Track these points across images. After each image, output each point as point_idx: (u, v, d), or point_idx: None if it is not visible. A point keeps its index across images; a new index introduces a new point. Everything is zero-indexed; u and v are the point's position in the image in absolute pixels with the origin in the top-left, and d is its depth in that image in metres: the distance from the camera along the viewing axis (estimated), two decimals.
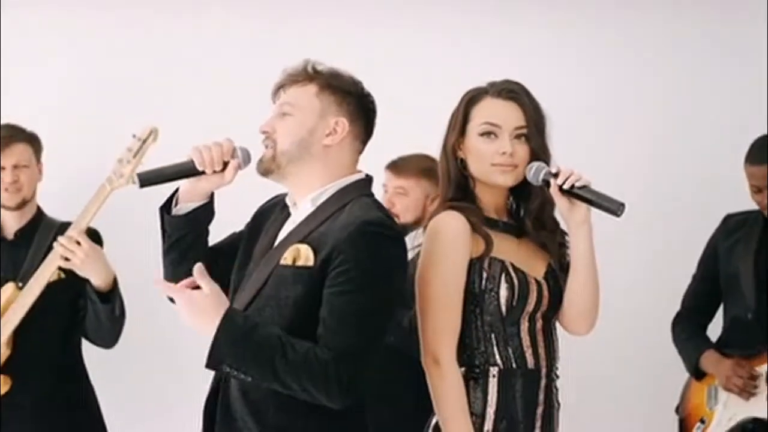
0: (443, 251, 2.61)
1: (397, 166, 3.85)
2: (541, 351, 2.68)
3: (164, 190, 2.69)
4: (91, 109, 4.35)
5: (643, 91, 4.42)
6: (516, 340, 2.65)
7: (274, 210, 2.68)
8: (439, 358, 2.60)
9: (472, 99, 2.72)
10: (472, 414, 2.61)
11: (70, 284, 3.57)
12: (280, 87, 2.62)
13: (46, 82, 4.35)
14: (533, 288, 2.66)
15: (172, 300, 2.48)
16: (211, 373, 2.54)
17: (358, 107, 2.59)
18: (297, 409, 2.44)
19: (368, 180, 2.62)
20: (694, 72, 4.40)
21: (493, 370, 2.63)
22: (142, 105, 4.27)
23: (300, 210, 2.59)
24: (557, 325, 2.76)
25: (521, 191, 2.74)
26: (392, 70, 4.23)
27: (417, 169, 3.78)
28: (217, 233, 2.75)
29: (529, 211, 2.72)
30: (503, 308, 2.63)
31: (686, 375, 3.93)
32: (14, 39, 4.32)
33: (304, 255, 2.47)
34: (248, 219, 2.76)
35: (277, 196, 2.71)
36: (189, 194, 2.65)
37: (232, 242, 2.72)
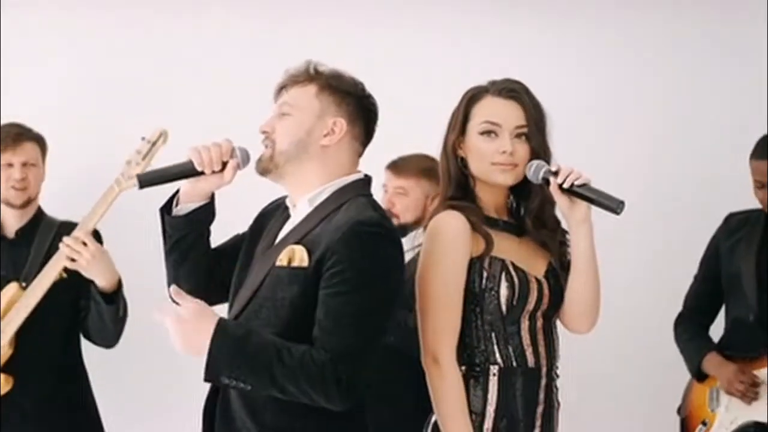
0: (443, 251, 2.61)
1: (397, 166, 3.84)
2: (542, 350, 2.68)
3: (166, 190, 2.69)
4: (90, 109, 4.35)
5: (643, 91, 4.42)
6: (516, 338, 2.65)
7: (276, 212, 2.69)
8: (439, 358, 2.60)
9: (472, 98, 2.72)
10: (472, 412, 2.61)
11: (71, 284, 3.57)
12: (282, 87, 2.63)
13: (46, 82, 4.35)
14: (533, 287, 2.66)
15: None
16: None
17: (358, 108, 2.60)
18: (295, 409, 2.44)
19: (366, 180, 2.62)
20: (694, 72, 4.40)
21: (494, 369, 2.63)
22: (142, 105, 4.28)
23: (298, 211, 2.60)
24: (557, 323, 2.76)
25: (521, 190, 2.74)
26: (392, 70, 4.23)
27: (417, 169, 3.78)
28: (218, 233, 2.75)
29: (530, 210, 2.73)
30: (503, 307, 2.63)
31: (687, 375, 3.93)
32: (14, 39, 4.31)
33: (299, 256, 2.47)
34: (248, 219, 2.76)
35: (279, 199, 2.71)
36: (189, 195, 2.66)
37: (235, 244, 2.73)
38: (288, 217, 2.63)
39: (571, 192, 2.62)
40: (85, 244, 3.45)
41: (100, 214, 3.50)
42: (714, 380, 3.83)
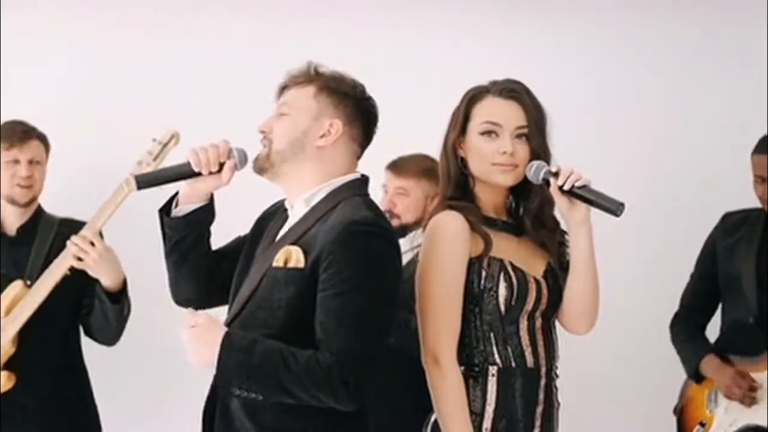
0: (442, 251, 2.61)
1: (397, 167, 3.84)
2: (541, 350, 2.68)
3: (168, 190, 2.70)
4: (90, 108, 4.35)
5: (643, 91, 4.41)
6: (515, 339, 2.65)
7: (276, 214, 2.69)
8: (439, 358, 2.60)
9: (473, 98, 2.72)
10: (471, 413, 2.61)
11: (74, 282, 3.57)
12: (283, 87, 2.65)
13: (46, 82, 4.35)
14: (532, 287, 2.66)
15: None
16: (209, 374, 2.54)
17: (356, 110, 2.60)
18: (294, 410, 2.45)
19: (363, 180, 2.63)
20: (694, 72, 4.40)
21: (493, 369, 2.63)
22: (142, 105, 4.28)
23: (295, 211, 2.61)
24: (557, 324, 2.76)
25: (521, 190, 2.74)
26: (392, 70, 4.23)
27: (417, 170, 3.78)
28: (217, 234, 2.75)
29: (529, 210, 2.72)
30: (502, 307, 2.63)
31: (685, 375, 3.93)
32: (14, 39, 4.31)
33: (295, 257, 2.48)
34: (247, 220, 2.77)
35: (279, 201, 2.72)
36: (188, 196, 2.67)
37: (236, 246, 2.73)
38: (287, 218, 2.64)
39: (571, 193, 2.62)
40: (92, 243, 3.45)
41: (108, 213, 3.51)
42: (712, 382, 3.82)
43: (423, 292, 2.63)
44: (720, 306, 3.94)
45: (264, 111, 2.68)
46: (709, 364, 3.81)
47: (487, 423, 2.61)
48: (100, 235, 3.65)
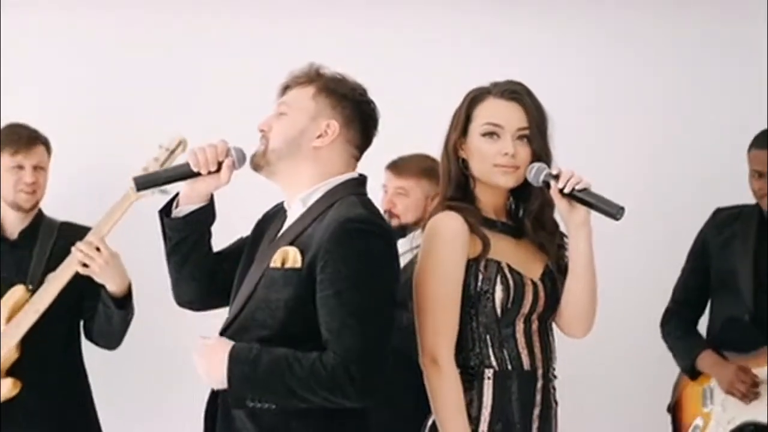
0: (441, 251, 2.61)
1: (397, 167, 3.84)
2: (537, 352, 2.67)
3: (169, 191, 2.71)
4: (90, 109, 4.34)
5: (643, 91, 4.41)
6: (511, 341, 2.65)
7: (277, 215, 2.70)
8: (437, 359, 2.60)
9: (474, 99, 2.72)
10: (467, 416, 2.61)
11: (74, 286, 3.56)
12: (285, 87, 2.66)
13: (46, 83, 4.35)
14: (529, 289, 2.66)
15: None
16: None
17: (354, 112, 2.61)
18: (293, 410, 2.46)
19: (360, 180, 2.63)
20: (694, 72, 4.40)
21: (488, 372, 2.63)
22: (142, 105, 4.28)
23: (292, 211, 2.62)
24: (554, 325, 2.76)
25: (521, 191, 2.73)
26: (392, 70, 4.22)
27: (417, 169, 3.78)
28: (217, 235, 2.75)
29: (529, 212, 2.72)
30: (498, 310, 2.63)
31: (676, 372, 3.92)
32: (14, 39, 4.31)
33: (292, 257, 2.49)
34: (247, 220, 2.77)
35: (280, 203, 2.72)
36: (188, 197, 2.68)
37: (238, 247, 2.74)
38: (286, 219, 2.65)
39: (571, 196, 2.62)
40: (98, 249, 3.45)
41: (115, 219, 3.51)
42: (707, 378, 3.81)
43: (421, 292, 2.63)
44: (710, 302, 3.94)
45: (264, 111, 2.69)
46: (707, 360, 3.80)
47: (483, 426, 2.61)
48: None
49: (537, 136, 2.68)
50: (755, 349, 3.74)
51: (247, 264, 2.65)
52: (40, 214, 3.77)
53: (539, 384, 2.67)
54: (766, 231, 3.83)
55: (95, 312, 3.62)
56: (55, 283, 3.52)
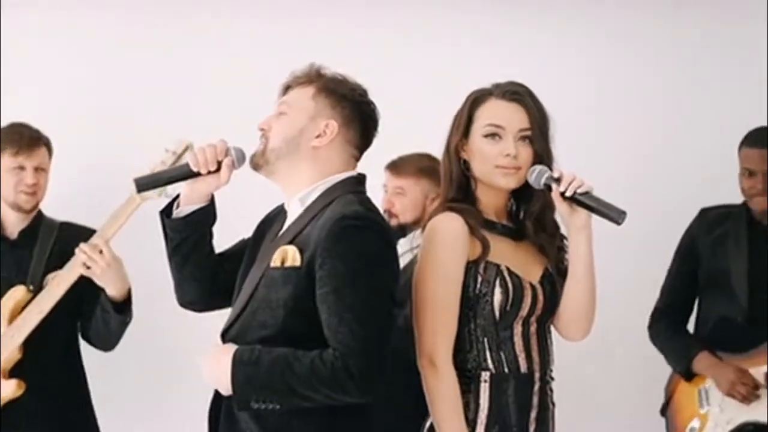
0: (441, 253, 2.61)
1: (396, 166, 3.84)
2: (535, 355, 2.67)
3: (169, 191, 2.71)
4: (90, 109, 4.34)
5: (643, 91, 4.41)
6: (509, 344, 2.65)
7: (278, 217, 2.71)
8: (435, 360, 2.60)
9: (476, 100, 2.72)
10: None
11: (74, 289, 3.56)
12: (286, 87, 2.67)
13: (47, 83, 4.35)
14: (527, 293, 2.65)
15: None
16: None
17: (354, 112, 2.62)
18: (297, 410, 2.47)
19: (358, 179, 2.64)
20: (694, 72, 4.40)
21: (485, 375, 2.63)
22: (143, 105, 4.28)
23: (291, 211, 2.63)
24: (551, 328, 2.75)
25: (522, 193, 2.73)
26: (392, 70, 4.22)
27: (415, 169, 3.78)
28: (218, 235, 2.76)
29: (530, 213, 2.72)
30: (497, 313, 2.63)
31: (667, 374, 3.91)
32: (14, 39, 4.31)
33: (291, 256, 2.51)
34: (248, 221, 2.78)
35: (281, 205, 2.73)
36: (188, 197, 2.69)
37: (240, 248, 2.75)
38: (286, 219, 2.66)
39: (572, 200, 2.62)
40: (101, 252, 3.45)
41: (120, 222, 3.51)
42: (701, 379, 3.80)
43: (420, 293, 2.63)
44: (700, 302, 3.93)
45: (264, 111, 2.70)
46: (704, 362, 3.79)
47: (480, 429, 2.61)
48: None
49: (539, 137, 2.68)
50: (748, 350, 3.73)
51: (248, 265, 2.66)
52: (39, 215, 3.77)
53: (536, 387, 2.67)
54: (756, 231, 3.83)
55: (93, 313, 3.62)
56: (61, 284, 3.52)
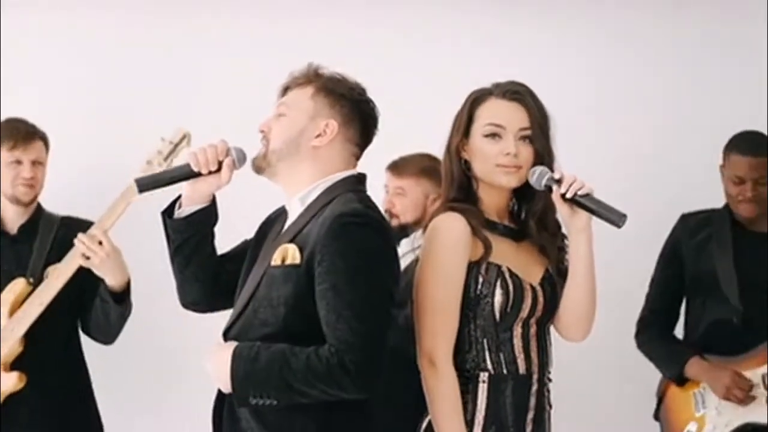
0: (443, 252, 2.61)
1: (397, 167, 3.84)
2: (534, 356, 2.67)
3: (170, 190, 2.71)
4: (91, 108, 4.35)
5: (643, 91, 4.41)
6: (508, 345, 2.64)
7: (279, 218, 2.71)
8: (435, 360, 2.60)
9: (476, 100, 2.72)
10: None
11: (74, 282, 3.57)
12: (285, 88, 2.68)
13: (47, 82, 4.35)
14: (528, 294, 2.65)
15: None
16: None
17: (353, 111, 2.63)
18: (295, 407, 2.48)
19: (358, 177, 2.65)
20: (694, 72, 4.40)
21: (483, 376, 2.63)
22: (143, 104, 4.28)
23: (292, 210, 2.64)
24: (551, 329, 2.75)
25: (524, 192, 2.73)
26: (392, 70, 4.23)
27: (416, 169, 3.77)
28: (219, 236, 2.76)
29: (533, 213, 2.71)
30: (497, 314, 2.63)
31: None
32: (14, 39, 4.31)
33: (291, 254, 2.52)
34: (249, 221, 2.79)
35: (282, 207, 2.73)
36: (190, 198, 2.70)
37: (242, 249, 2.76)
38: (287, 219, 2.66)
39: (573, 201, 2.62)
40: (100, 242, 3.46)
41: (118, 213, 3.52)
42: (695, 384, 3.79)
43: (421, 293, 2.63)
44: (687, 307, 3.92)
45: (264, 111, 2.71)
46: (696, 367, 3.77)
47: (477, 429, 2.61)
48: None
49: (539, 136, 2.68)
50: (744, 352, 3.72)
51: (250, 265, 2.67)
52: (39, 209, 3.79)
53: (534, 388, 2.67)
54: (740, 233, 3.82)
55: (93, 306, 3.62)
56: (60, 276, 3.54)
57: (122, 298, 3.55)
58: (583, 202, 2.61)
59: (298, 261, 2.50)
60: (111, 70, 4.36)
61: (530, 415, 2.66)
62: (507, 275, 2.63)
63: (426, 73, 4.32)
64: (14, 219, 3.75)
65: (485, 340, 2.63)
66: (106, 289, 3.54)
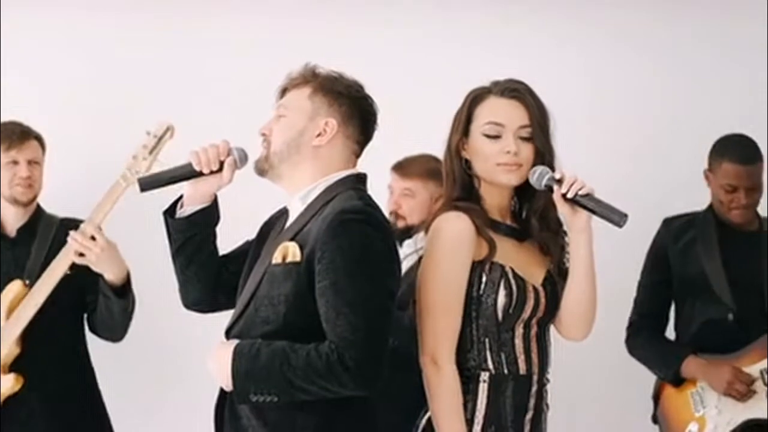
0: (447, 251, 2.61)
1: (403, 168, 3.83)
2: (534, 357, 2.67)
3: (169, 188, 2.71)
4: (91, 108, 4.35)
5: (643, 91, 4.41)
6: (509, 346, 2.65)
7: (280, 218, 2.72)
8: (438, 359, 2.60)
9: (475, 98, 2.72)
10: None
11: (76, 280, 3.57)
12: (283, 90, 2.69)
13: (47, 82, 4.35)
14: (530, 295, 2.65)
15: None
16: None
17: (352, 109, 2.63)
18: (295, 405, 2.48)
19: (358, 176, 2.65)
20: (694, 72, 4.40)
21: (484, 375, 2.63)
22: (143, 105, 4.28)
23: (292, 210, 2.65)
24: (551, 329, 2.75)
25: (525, 191, 2.72)
26: (392, 69, 4.23)
27: (423, 170, 3.76)
28: (220, 236, 2.76)
29: (535, 210, 2.71)
30: (499, 314, 2.63)
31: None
32: (14, 39, 4.31)
33: (292, 252, 2.53)
34: (249, 222, 2.79)
35: (284, 208, 2.73)
36: (191, 198, 2.71)
37: (244, 250, 2.76)
38: (288, 219, 2.67)
39: (574, 201, 2.62)
40: (93, 238, 3.45)
41: (107, 209, 3.52)
42: (691, 384, 3.79)
43: (425, 292, 2.63)
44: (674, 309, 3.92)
45: (264, 111, 2.71)
46: (694, 365, 3.77)
47: (477, 428, 2.61)
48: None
49: (539, 134, 2.68)
50: (738, 349, 3.73)
51: (251, 265, 2.67)
52: (38, 210, 3.79)
53: (534, 389, 2.67)
54: (725, 233, 3.82)
55: (97, 305, 3.62)
56: (53, 275, 3.53)
57: (123, 292, 3.55)
58: (583, 202, 2.61)
59: (298, 259, 2.51)
60: (111, 69, 4.36)
61: (529, 416, 2.67)
62: (511, 276, 2.63)
63: (425, 73, 4.32)
64: (13, 221, 3.75)
65: (487, 340, 2.63)
66: (106, 284, 3.53)
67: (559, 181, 2.63)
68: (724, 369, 3.71)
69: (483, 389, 2.62)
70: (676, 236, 3.89)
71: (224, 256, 2.77)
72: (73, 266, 3.51)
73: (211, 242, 2.73)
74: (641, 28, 4.42)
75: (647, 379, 3.95)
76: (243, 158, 2.69)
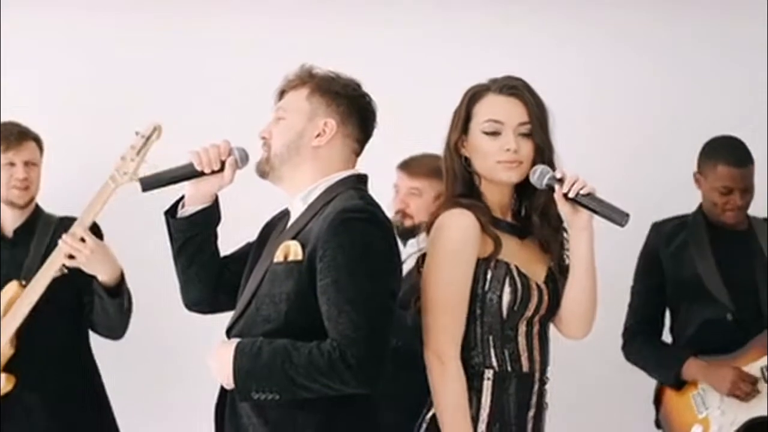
0: (453, 248, 2.61)
1: (410, 167, 3.82)
2: (536, 355, 2.68)
3: (172, 192, 2.71)
4: (90, 108, 4.35)
5: (643, 90, 4.41)
6: (513, 343, 2.65)
7: (282, 220, 2.72)
8: (443, 356, 2.60)
9: (474, 96, 2.71)
10: None
11: (72, 281, 3.57)
12: (281, 92, 2.70)
13: (46, 82, 4.35)
14: (534, 293, 2.65)
15: None
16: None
17: (350, 108, 2.64)
18: (296, 403, 2.49)
19: (359, 177, 2.66)
20: (694, 72, 4.40)
21: (488, 373, 2.63)
22: (142, 105, 4.27)
23: (294, 210, 2.66)
24: (550, 327, 2.75)
25: (525, 188, 2.72)
26: (392, 69, 4.23)
27: (430, 169, 3.75)
28: (221, 237, 2.76)
29: (535, 207, 2.71)
30: (504, 312, 2.63)
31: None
32: (14, 39, 4.31)
33: (293, 251, 2.53)
34: (250, 222, 2.79)
35: (285, 209, 2.73)
36: (193, 198, 2.72)
37: (245, 251, 2.77)
38: (289, 219, 2.67)
39: (575, 201, 2.62)
40: (83, 240, 3.45)
41: (96, 210, 3.52)
42: (692, 386, 3.78)
43: (430, 288, 2.62)
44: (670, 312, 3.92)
45: (264, 111, 2.71)
46: (695, 367, 3.77)
47: (482, 426, 2.61)
48: (100, 232, 3.65)
49: (538, 131, 2.68)
50: (734, 350, 3.73)
51: (252, 264, 2.68)
52: (36, 211, 3.79)
53: (536, 387, 2.68)
54: (716, 234, 3.83)
55: (93, 305, 3.62)
56: (43, 276, 3.53)
57: (117, 291, 3.55)
58: (585, 202, 2.61)
59: (300, 257, 2.51)
60: (110, 69, 4.36)
61: (531, 413, 2.67)
62: (515, 274, 2.63)
63: (425, 73, 4.32)
64: (11, 222, 3.75)
65: (491, 338, 2.64)
66: (99, 285, 3.53)
67: (560, 181, 2.63)
68: (726, 370, 3.71)
69: (487, 387, 2.63)
70: (668, 240, 3.89)
71: (225, 256, 2.77)
72: (70, 267, 3.51)
73: (213, 242, 2.74)
74: (641, 28, 4.42)
75: (647, 379, 3.95)
76: (244, 158, 2.69)
